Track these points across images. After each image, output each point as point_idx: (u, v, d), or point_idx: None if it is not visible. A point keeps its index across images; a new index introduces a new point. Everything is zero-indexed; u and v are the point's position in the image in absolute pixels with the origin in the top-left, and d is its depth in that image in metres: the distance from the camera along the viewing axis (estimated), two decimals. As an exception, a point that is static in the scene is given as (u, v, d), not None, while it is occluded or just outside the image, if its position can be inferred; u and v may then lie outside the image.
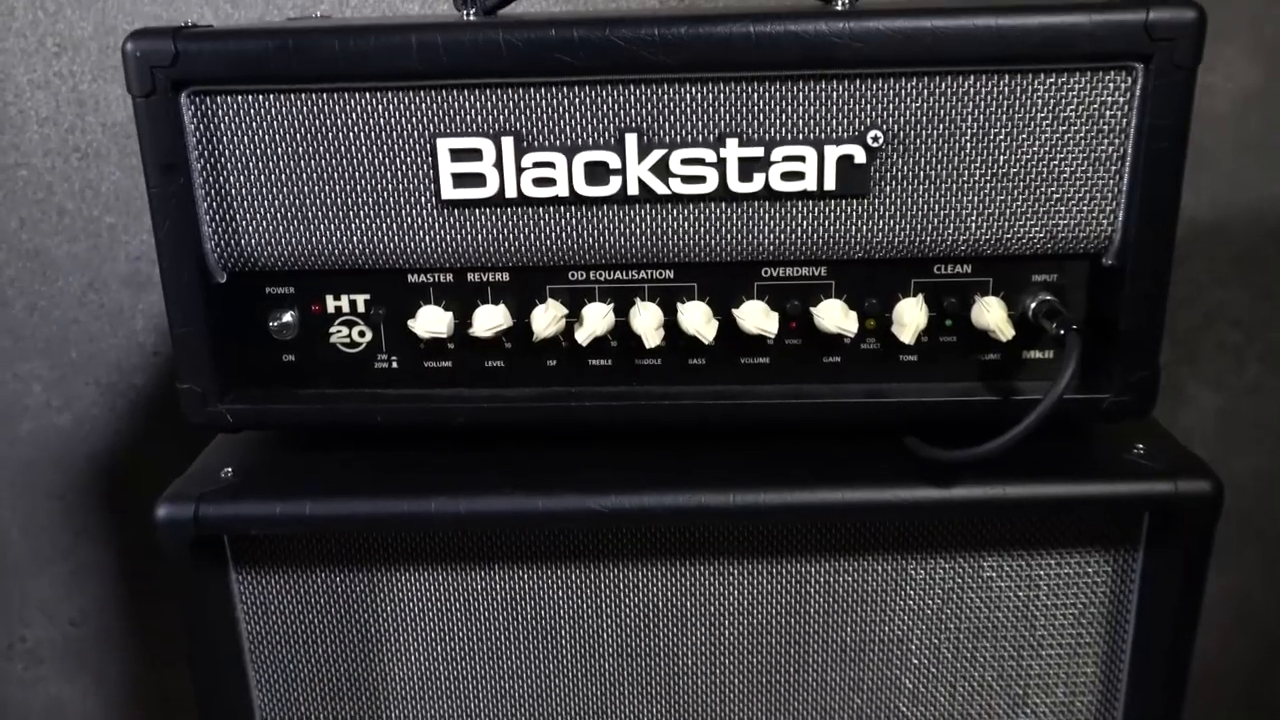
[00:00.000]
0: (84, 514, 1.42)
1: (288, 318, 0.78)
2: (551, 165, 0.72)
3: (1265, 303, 1.35)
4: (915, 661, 0.82)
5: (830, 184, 0.72)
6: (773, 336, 0.76)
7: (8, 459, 1.39)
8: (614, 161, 0.72)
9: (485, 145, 0.71)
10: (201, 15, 1.22)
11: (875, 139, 0.72)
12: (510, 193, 0.72)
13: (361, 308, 0.78)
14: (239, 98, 0.71)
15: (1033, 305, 0.76)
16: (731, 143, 0.71)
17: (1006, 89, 0.71)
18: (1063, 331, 0.73)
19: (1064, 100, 0.71)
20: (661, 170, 0.72)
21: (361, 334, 0.78)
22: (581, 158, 0.72)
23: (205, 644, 0.79)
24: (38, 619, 1.47)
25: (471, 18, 0.79)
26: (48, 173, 1.27)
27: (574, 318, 0.77)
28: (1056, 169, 0.73)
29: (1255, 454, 1.41)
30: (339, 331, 0.78)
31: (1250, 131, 1.27)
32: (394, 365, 0.79)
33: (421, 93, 0.71)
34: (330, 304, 0.77)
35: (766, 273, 0.76)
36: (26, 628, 1.47)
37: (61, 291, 1.31)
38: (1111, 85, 0.71)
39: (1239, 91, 1.26)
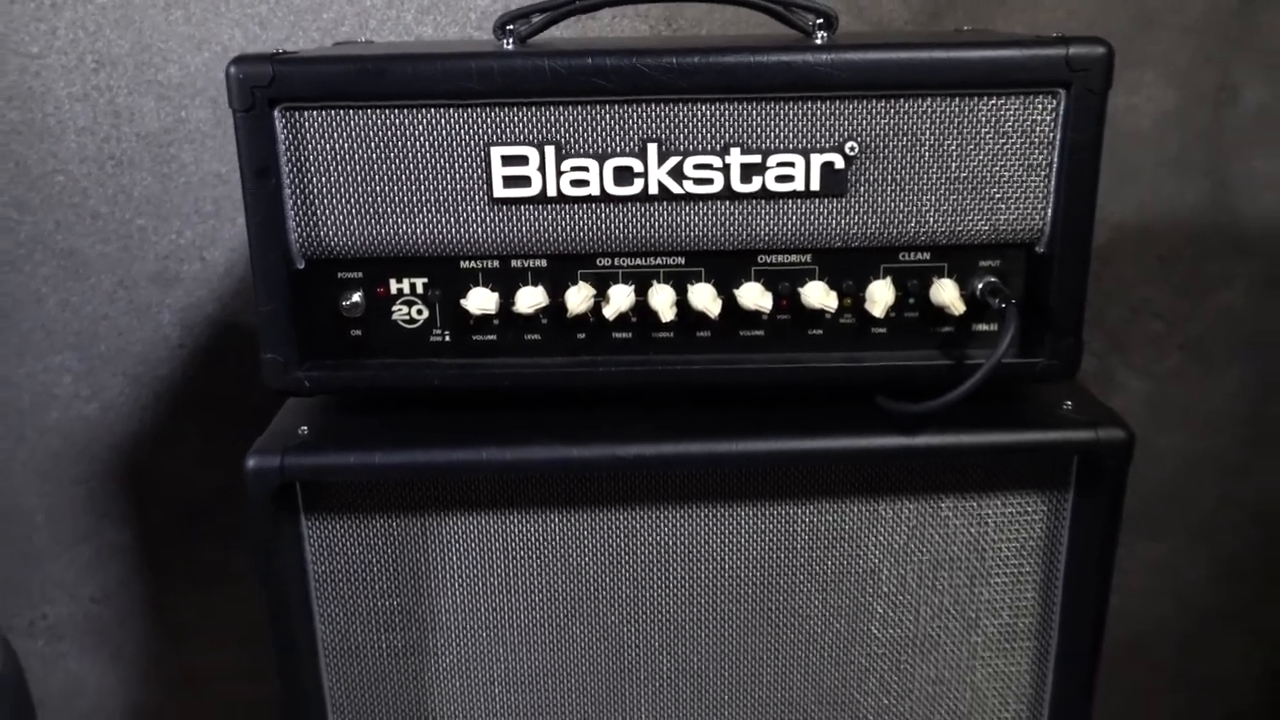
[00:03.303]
0: (107, 499, 1.47)
1: (356, 298, 0.86)
2: (586, 169, 0.81)
3: (1184, 298, 1.45)
4: (885, 590, 0.92)
5: (815, 186, 0.82)
6: (767, 313, 0.85)
7: (37, 446, 1.43)
8: (638, 166, 0.81)
9: (531, 152, 0.81)
10: (232, 37, 1.29)
11: (852, 149, 0.81)
12: (551, 192, 0.82)
13: (420, 290, 0.86)
14: (324, 112, 0.81)
15: (980, 286, 0.85)
16: (735, 151, 0.81)
17: (957, 108, 0.81)
18: (1003, 307, 0.82)
19: (1003, 118, 0.81)
20: (677, 174, 0.81)
21: (420, 312, 0.87)
22: (611, 163, 0.81)
23: (277, 581, 0.88)
24: (59, 597, 1.50)
25: (509, 45, 0.90)
26: (84, 179, 1.32)
27: (601, 297, 0.85)
28: (998, 174, 0.82)
29: (1180, 435, 1.51)
30: (400, 310, 0.87)
31: (1168, 147, 1.38)
32: (447, 338, 0.88)
33: (478, 109, 0.80)
34: (393, 286, 0.86)
35: (762, 259, 0.85)
36: (48, 605, 1.51)
37: (93, 289, 1.37)
38: (1040, 106, 0.81)
39: (1158, 112, 1.37)
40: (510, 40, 0.91)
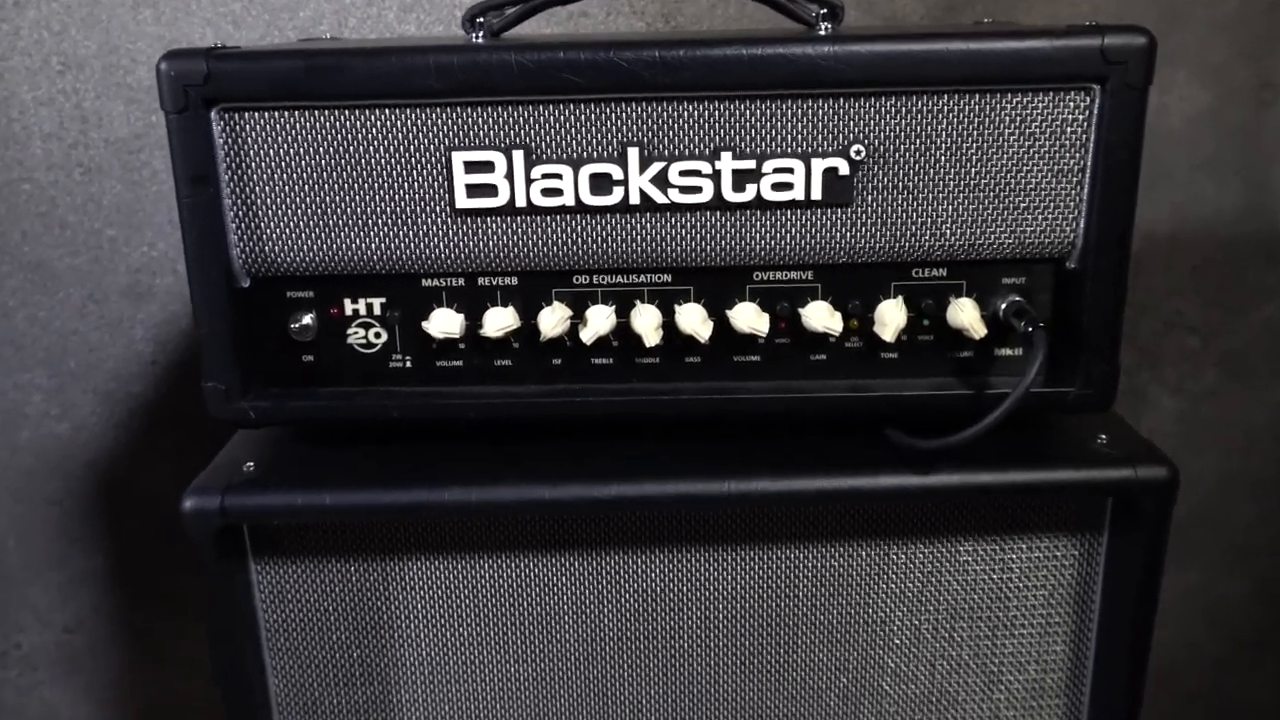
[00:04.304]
0: (80, 521, 1.44)
1: (307, 320, 0.80)
2: (559, 177, 0.75)
3: (1219, 311, 1.41)
4: (897, 641, 0.86)
5: (817, 194, 0.76)
6: (764, 336, 0.79)
7: (6, 466, 1.40)
8: (617, 173, 0.75)
9: (497, 158, 0.75)
10: (203, 35, 1.26)
11: (858, 152, 0.75)
12: (520, 202, 0.76)
13: (378, 310, 0.81)
14: (266, 114, 0.74)
15: (1003, 306, 0.79)
16: (726, 156, 0.75)
17: (977, 107, 0.75)
18: (1030, 330, 0.76)
19: (1029, 117, 0.75)
20: (661, 181, 0.76)
21: (377, 335, 0.81)
22: (587, 170, 0.75)
23: (225, 631, 0.82)
24: (33, 625, 1.48)
25: (479, 40, 0.84)
26: (51, 187, 1.29)
27: (578, 319, 0.79)
28: (1023, 180, 0.77)
29: (1214, 455, 1.47)
30: (356, 333, 0.81)
31: (1202, 149, 1.34)
32: (408, 364, 0.82)
33: (438, 109, 0.74)
34: (348, 307, 0.81)
35: (758, 276, 0.79)
36: (21, 634, 1.48)
37: (62, 303, 1.34)
38: (1072, 104, 0.75)
39: (1191, 112, 1.32)
40: (480, 34, 0.84)
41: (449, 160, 0.75)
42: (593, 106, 0.74)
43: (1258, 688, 1.59)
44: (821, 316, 0.79)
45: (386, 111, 0.75)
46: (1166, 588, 1.47)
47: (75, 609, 1.47)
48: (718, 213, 0.77)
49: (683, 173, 0.76)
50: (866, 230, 0.78)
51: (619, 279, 0.79)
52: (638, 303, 0.80)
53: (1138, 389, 1.44)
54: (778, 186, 0.76)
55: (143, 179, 1.30)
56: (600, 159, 0.75)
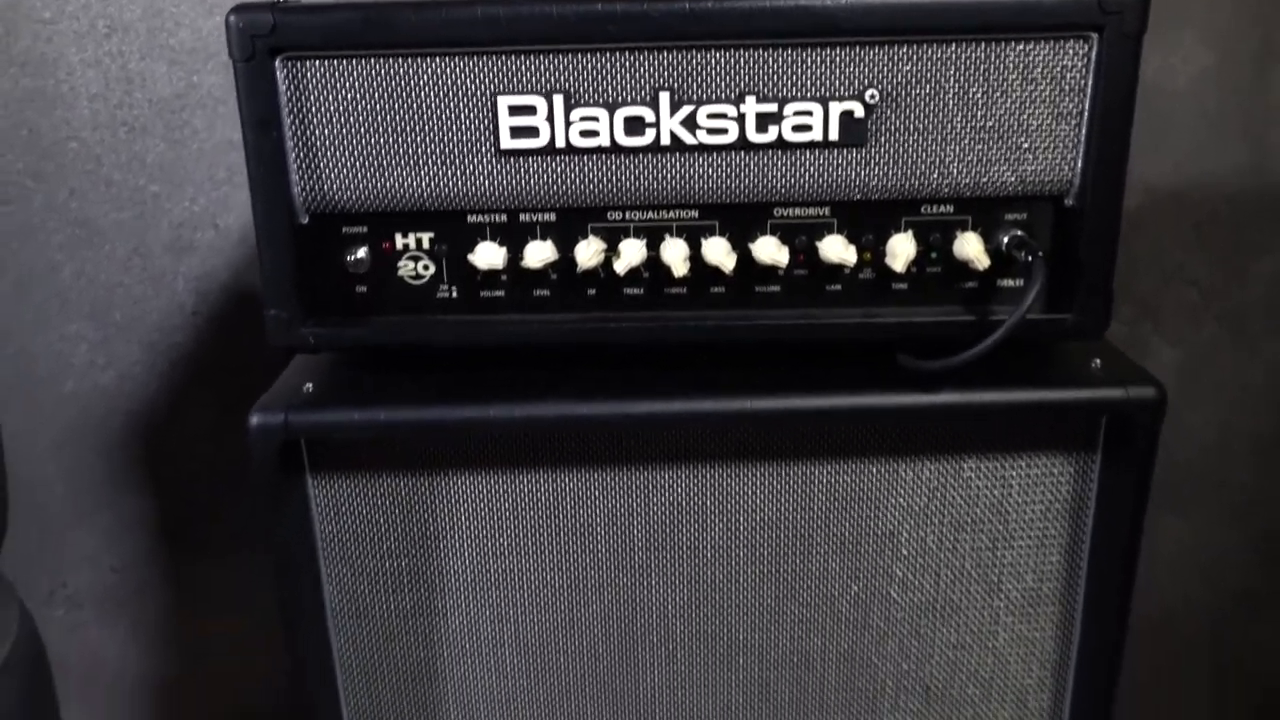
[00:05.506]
0: (125, 467, 1.47)
1: (361, 253, 0.85)
2: (596, 119, 0.80)
3: (1221, 266, 1.42)
4: (905, 552, 0.90)
5: (834, 135, 0.80)
6: (783, 267, 0.83)
7: (54, 415, 1.43)
8: (649, 116, 0.80)
9: (539, 102, 0.79)
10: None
11: (872, 97, 0.80)
12: (560, 143, 0.80)
13: (426, 244, 0.85)
14: (326, 62, 0.79)
15: (1005, 239, 0.83)
16: (750, 100, 0.79)
17: (983, 54, 0.78)
18: (1030, 259, 0.80)
19: (1031, 64, 0.79)
20: (690, 123, 0.80)
21: (426, 267, 0.86)
22: (622, 113, 0.80)
23: (284, 542, 0.88)
24: (79, 566, 1.51)
25: (521, -8, 0.89)
26: (96, 145, 1.32)
27: (612, 252, 0.83)
28: (1025, 123, 0.80)
29: (1213, 407, 1.47)
30: (406, 265, 0.86)
31: (1206, 108, 1.34)
32: (454, 294, 0.86)
33: (484, 57, 0.78)
34: (399, 241, 0.85)
35: (778, 212, 0.83)
36: (68, 574, 1.52)
37: (108, 257, 1.37)
38: (1071, 51, 0.78)
39: (1196, 72, 1.33)
40: (520, -13, 0.89)
41: (494, 104, 0.80)
42: (628, 54, 0.78)
43: (1256, 640, 1.60)
44: (837, 249, 0.82)
45: (437, 59, 0.79)
46: (1163, 540, 1.50)
47: (120, 551, 1.51)
48: (742, 153, 0.81)
49: (710, 115, 0.80)
50: (880, 169, 0.81)
51: (650, 214, 0.83)
52: (667, 237, 0.84)
53: (1138, 340, 1.45)
54: (798, 128, 0.80)
55: (184, 137, 1.33)
56: (634, 103, 0.79)
